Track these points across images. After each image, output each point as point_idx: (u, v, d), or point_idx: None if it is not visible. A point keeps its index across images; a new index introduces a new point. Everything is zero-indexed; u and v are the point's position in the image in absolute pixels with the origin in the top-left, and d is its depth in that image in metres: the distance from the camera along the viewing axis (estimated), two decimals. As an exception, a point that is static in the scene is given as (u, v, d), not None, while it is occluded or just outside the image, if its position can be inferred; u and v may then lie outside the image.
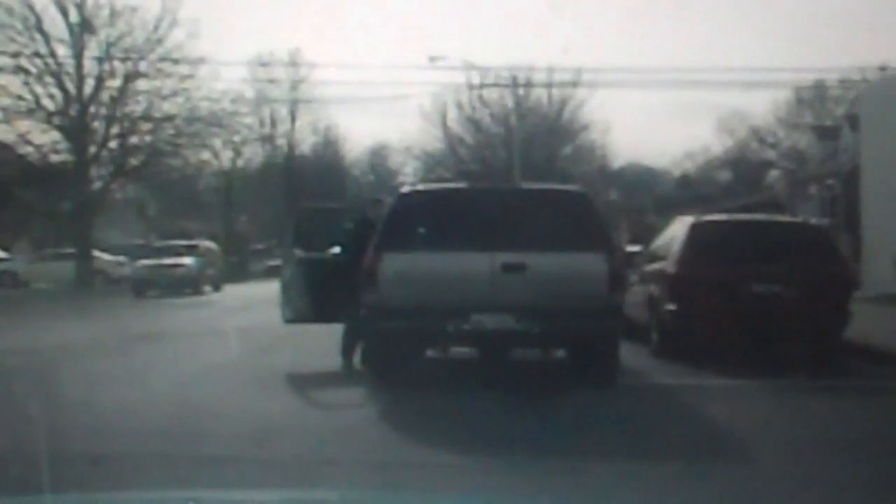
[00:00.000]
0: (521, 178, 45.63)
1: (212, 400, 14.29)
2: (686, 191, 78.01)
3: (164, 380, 16.38)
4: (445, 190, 16.61)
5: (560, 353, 16.40)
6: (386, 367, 15.18)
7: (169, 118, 56.65)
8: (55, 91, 53.99)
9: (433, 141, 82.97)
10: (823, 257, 18.68)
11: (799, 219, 29.89)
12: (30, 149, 55.10)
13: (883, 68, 52.52)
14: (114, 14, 53.84)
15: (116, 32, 54.26)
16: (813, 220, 27.99)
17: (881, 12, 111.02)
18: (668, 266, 18.93)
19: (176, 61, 55.10)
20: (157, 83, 55.92)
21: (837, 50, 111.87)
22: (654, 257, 20.28)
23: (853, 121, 44.67)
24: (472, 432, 11.70)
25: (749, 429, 12.43)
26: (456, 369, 16.88)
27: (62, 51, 54.04)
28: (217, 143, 67.24)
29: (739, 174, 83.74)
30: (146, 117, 56.17)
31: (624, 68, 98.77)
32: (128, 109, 55.89)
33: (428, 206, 15.57)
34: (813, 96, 79.73)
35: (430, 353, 16.47)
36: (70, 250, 57.14)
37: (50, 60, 53.70)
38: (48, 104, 54.11)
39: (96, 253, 57.02)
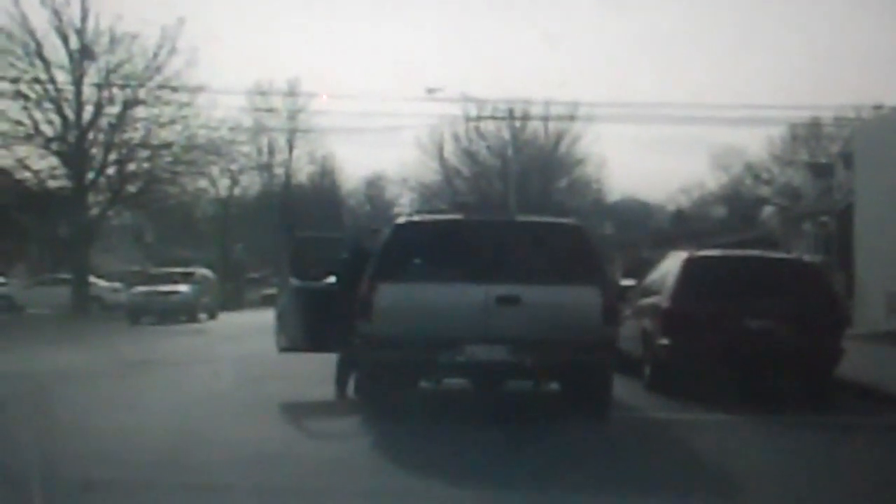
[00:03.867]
0: (516, 211, 45.72)
1: (206, 428, 14.30)
2: (680, 226, 78.21)
3: (159, 407, 16.38)
4: (441, 221, 16.66)
5: (553, 386, 16.43)
6: (379, 397, 15.22)
7: (167, 145, 56.61)
8: (54, 117, 53.96)
9: (430, 172, 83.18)
10: (816, 294, 18.75)
11: (792, 255, 29.97)
12: (28, 174, 55.08)
13: (878, 107, 52.84)
14: (114, 41, 53.89)
15: (116, 59, 54.26)
16: (806, 257, 28.09)
17: (876, 51, 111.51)
18: (661, 301, 19.00)
19: (175, 89, 55.08)
20: (155, 110, 55.89)
21: (832, 88, 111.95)
22: (648, 292, 20.34)
23: (847, 158, 44.84)
24: (464, 463, 11.74)
25: (740, 464, 12.45)
26: (449, 400, 16.91)
27: (62, 77, 54.02)
28: (214, 171, 67.16)
29: (734, 210, 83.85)
30: (144, 144, 56.11)
31: (620, 103, 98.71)
32: (126, 136, 55.82)
33: (424, 237, 15.63)
34: (808, 133, 80.00)
35: (423, 383, 16.49)
36: (66, 276, 57.07)
37: (49, 86, 53.67)
38: (47, 130, 54.11)
39: (92, 279, 56.97)
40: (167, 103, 55.73)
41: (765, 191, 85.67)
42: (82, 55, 53.89)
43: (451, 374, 15.64)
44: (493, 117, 76.22)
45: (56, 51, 53.73)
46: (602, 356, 14.78)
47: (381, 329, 14.52)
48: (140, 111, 55.77)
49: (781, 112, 78.22)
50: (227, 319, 49.15)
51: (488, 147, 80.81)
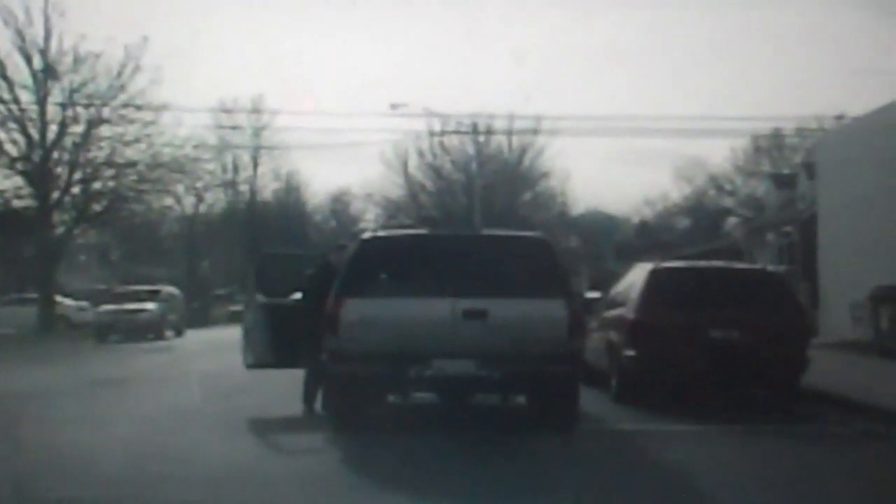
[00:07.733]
0: (481, 225, 45.80)
1: (174, 445, 14.29)
2: (645, 238, 78.50)
3: (126, 424, 16.35)
4: (407, 236, 16.72)
5: (520, 399, 16.49)
6: (347, 413, 15.24)
7: (132, 164, 56.46)
8: (18, 137, 53.79)
9: (394, 187, 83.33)
10: (781, 304, 18.87)
11: (757, 266, 30.16)
12: (-8, 194, 54.93)
13: (839, 117, 53.23)
14: (77, 60, 53.66)
15: (80, 78, 54.06)
16: (770, 267, 28.26)
17: (838, 62, 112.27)
18: (627, 312, 19.08)
19: (139, 107, 54.91)
20: (119, 129, 55.69)
21: (794, 99, 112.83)
22: (614, 304, 20.42)
23: (810, 169, 45.10)
24: (432, 478, 11.78)
25: (707, 474, 12.51)
26: (417, 415, 16.94)
27: (25, 97, 53.85)
28: (179, 188, 67.04)
29: (698, 221, 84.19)
30: (109, 163, 55.93)
31: (583, 116, 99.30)
32: (91, 155, 55.63)
33: (389, 252, 15.69)
34: (770, 144, 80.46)
35: (391, 398, 16.52)
36: (32, 295, 56.85)
37: (13, 106, 53.47)
38: (11, 150, 53.91)
39: (58, 298, 56.77)
40: (132, 122, 55.60)
41: (728, 202, 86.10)
42: (46, 74, 53.73)
43: (418, 389, 15.70)
44: (457, 132, 76.40)
45: (19, 70, 53.62)
46: (568, 369, 14.83)
47: (348, 344, 14.56)
48: (104, 130, 55.61)
49: (744, 123, 78.69)
50: (194, 336, 49.01)
51: (452, 161, 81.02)
